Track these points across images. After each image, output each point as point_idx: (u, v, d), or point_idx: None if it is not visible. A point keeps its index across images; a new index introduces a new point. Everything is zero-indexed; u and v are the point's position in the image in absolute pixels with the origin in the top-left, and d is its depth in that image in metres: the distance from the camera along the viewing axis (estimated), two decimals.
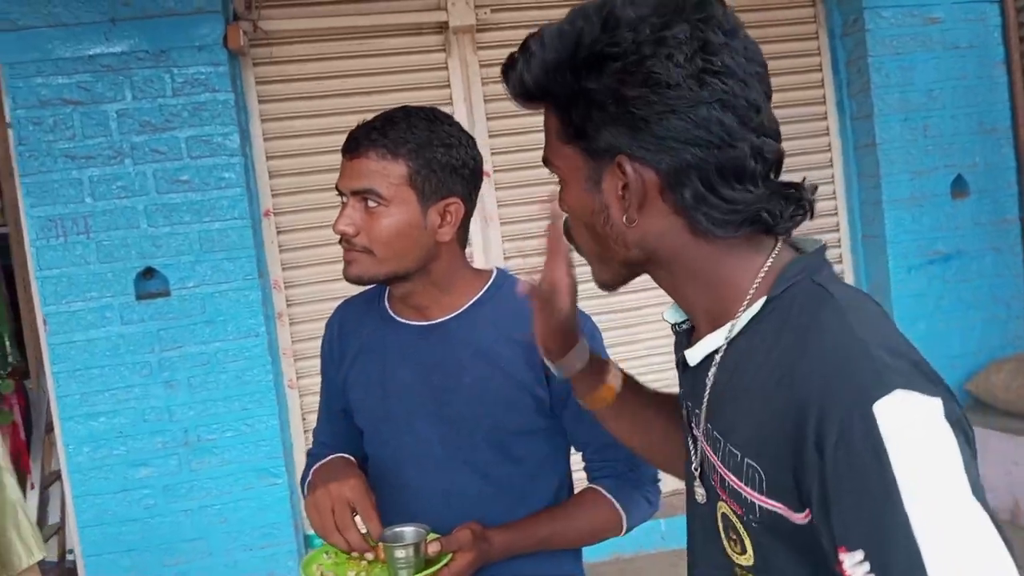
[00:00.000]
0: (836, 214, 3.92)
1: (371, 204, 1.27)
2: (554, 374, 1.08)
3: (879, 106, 3.68)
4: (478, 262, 3.48)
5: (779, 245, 0.84)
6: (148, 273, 3.15)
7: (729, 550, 0.84)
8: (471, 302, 1.38)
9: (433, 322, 1.38)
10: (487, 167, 3.53)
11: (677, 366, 0.95)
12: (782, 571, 0.78)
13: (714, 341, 0.83)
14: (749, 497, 0.77)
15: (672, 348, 1.01)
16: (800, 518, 0.73)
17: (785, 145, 0.83)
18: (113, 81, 3.09)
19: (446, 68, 3.52)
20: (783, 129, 0.82)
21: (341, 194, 1.31)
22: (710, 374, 0.83)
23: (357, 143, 1.28)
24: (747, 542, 0.80)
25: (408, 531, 1.22)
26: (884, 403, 0.66)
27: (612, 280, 0.90)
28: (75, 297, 3.09)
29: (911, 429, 0.66)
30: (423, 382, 1.36)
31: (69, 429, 3.11)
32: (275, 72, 3.39)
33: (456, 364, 1.35)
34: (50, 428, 3.46)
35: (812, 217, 0.84)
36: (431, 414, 1.36)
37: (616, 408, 1.08)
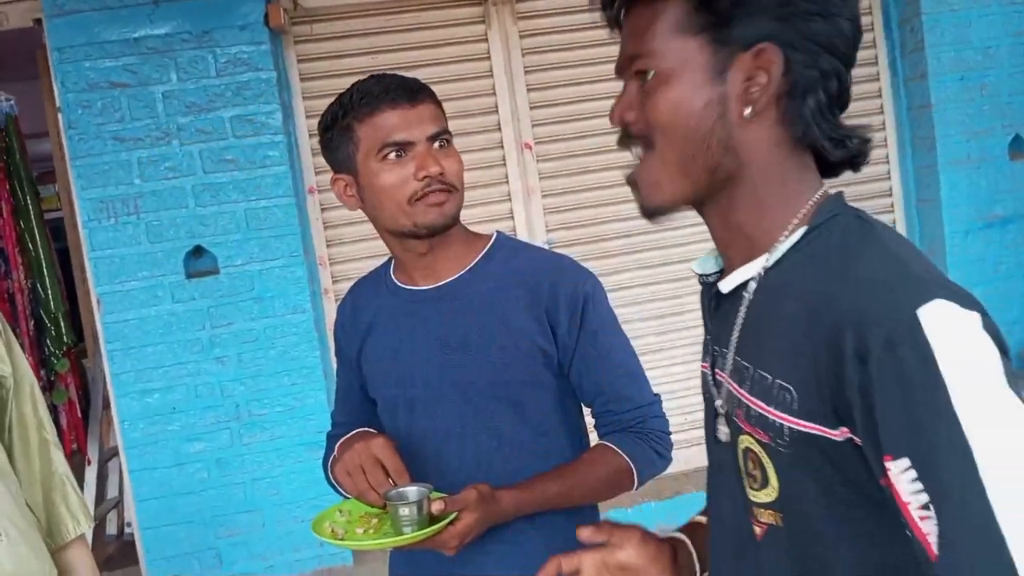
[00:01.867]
0: (889, 178, 3.82)
1: None
2: None
3: (933, 66, 3.56)
4: (521, 236, 3.46)
5: (824, 183, 0.85)
6: (197, 252, 3.20)
7: (748, 488, 0.83)
8: (474, 262, 1.42)
9: (436, 285, 1.42)
10: (527, 139, 3.53)
11: (704, 313, 0.96)
12: (805, 500, 0.77)
13: (751, 269, 0.84)
14: (778, 420, 0.77)
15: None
16: (836, 435, 0.73)
17: None
18: (158, 63, 3.13)
19: (486, 40, 3.49)
20: None
21: None
22: (743, 304, 0.84)
23: None
24: (770, 473, 0.79)
25: (411, 490, 1.25)
26: (927, 309, 0.67)
27: (679, 197, 0.85)
28: (127, 277, 3.15)
29: (955, 334, 0.66)
30: (432, 345, 1.40)
31: (124, 406, 3.19)
32: (316, 49, 3.40)
33: (462, 323, 1.39)
34: (107, 405, 3.55)
35: (860, 167, 0.86)
36: (442, 377, 1.39)
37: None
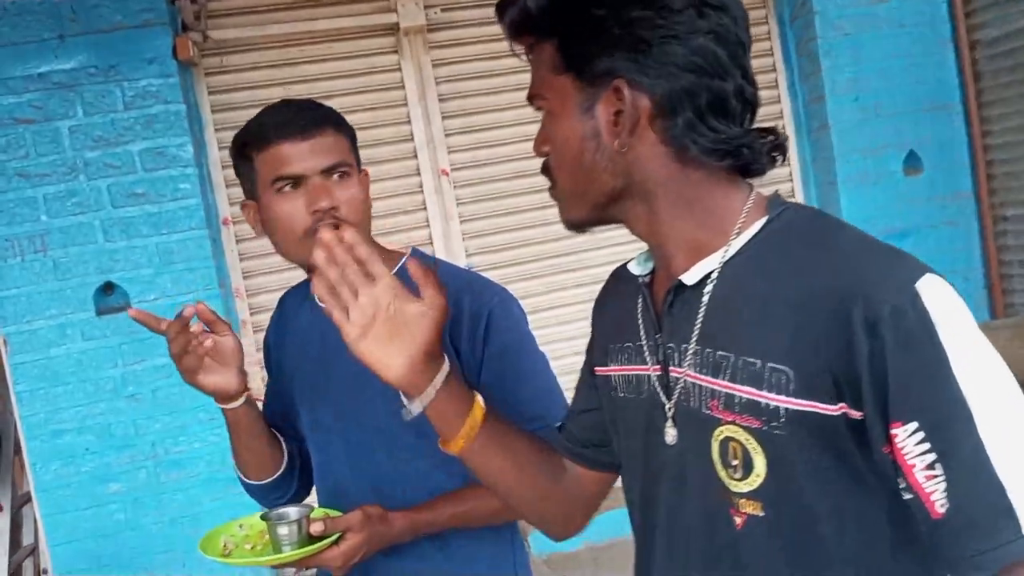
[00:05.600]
0: (793, 196, 3.97)
1: None
2: (409, 410, 0.96)
3: (830, 88, 3.73)
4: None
5: (753, 183, 0.89)
6: (108, 288, 3.13)
7: (726, 478, 0.83)
8: None
9: None
10: (444, 166, 3.57)
11: (641, 316, 0.95)
12: (795, 480, 0.79)
13: (709, 264, 0.86)
14: (772, 403, 0.78)
15: None
16: (833, 410, 0.76)
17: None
18: (64, 98, 3.07)
19: (399, 69, 3.53)
20: None
21: None
22: (704, 298, 0.85)
23: None
24: (756, 460, 0.80)
25: (291, 510, 1.27)
26: (923, 283, 0.74)
27: (586, 217, 0.92)
28: (35, 315, 3.07)
29: (947, 304, 0.74)
30: (338, 365, 1.38)
31: (35, 448, 3.10)
32: (228, 81, 3.39)
33: None
34: (19, 449, 3.44)
35: (784, 161, 0.90)
36: (347, 397, 1.39)
37: (485, 435, 1.00)
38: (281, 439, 1.50)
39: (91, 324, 3.10)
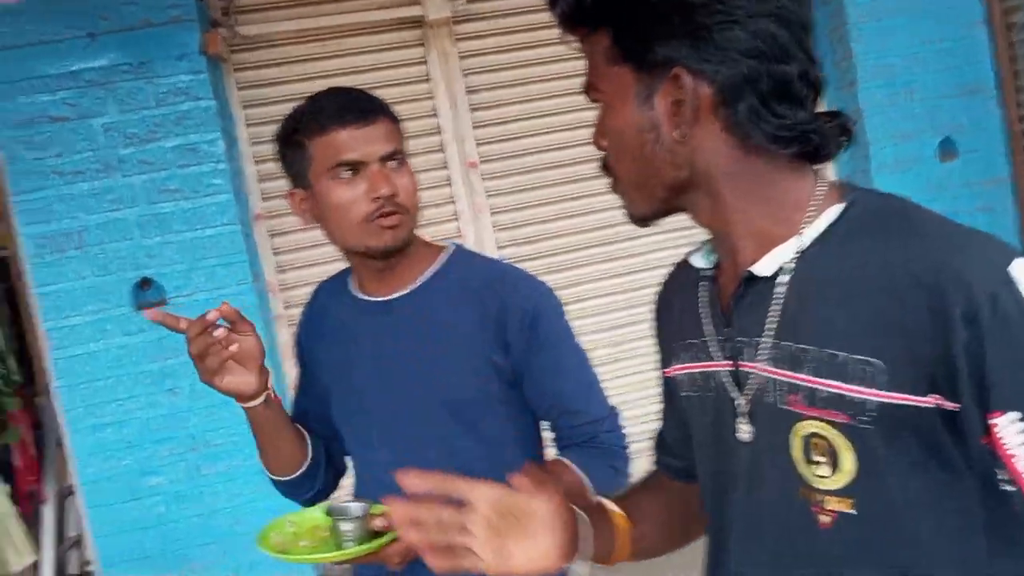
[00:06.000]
0: None
1: None
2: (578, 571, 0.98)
3: (861, 74, 3.68)
4: None
5: (817, 169, 0.86)
6: (145, 283, 3.17)
7: (809, 476, 0.81)
8: (428, 275, 1.42)
9: (391, 297, 1.42)
10: (472, 158, 3.57)
11: (706, 309, 0.93)
12: (888, 475, 0.77)
13: (782, 254, 0.83)
14: (859, 396, 0.76)
15: None
16: (926, 402, 0.74)
17: None
18: (97, 95, 3.11)
19: (425, 62, 3.53)
20: None
21: None
22: (779, 289, 0.83)
23: None
24: (844, 456, 0.78)
25: (354, 506, 1.27)
26: (1015, 267, 0.73)
27: (651, 211, 0.89)
28: (74, 311, 3.12)
29: None
30: (382, 357, 1.40)
31: (77, 442, 3.15)
32: (257, 76, 3.41)
33: (413, 336, 1.38)
34: (61, 442, 3.50)
35: (851, 143, 0.86)
36: (392, 388, 1.39)
37: (636, 532, 1.02)
38: (306, 436, 1.49)
39: (129, 319, 3.14)
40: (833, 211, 0.82)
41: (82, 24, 3.09)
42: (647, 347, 3.98)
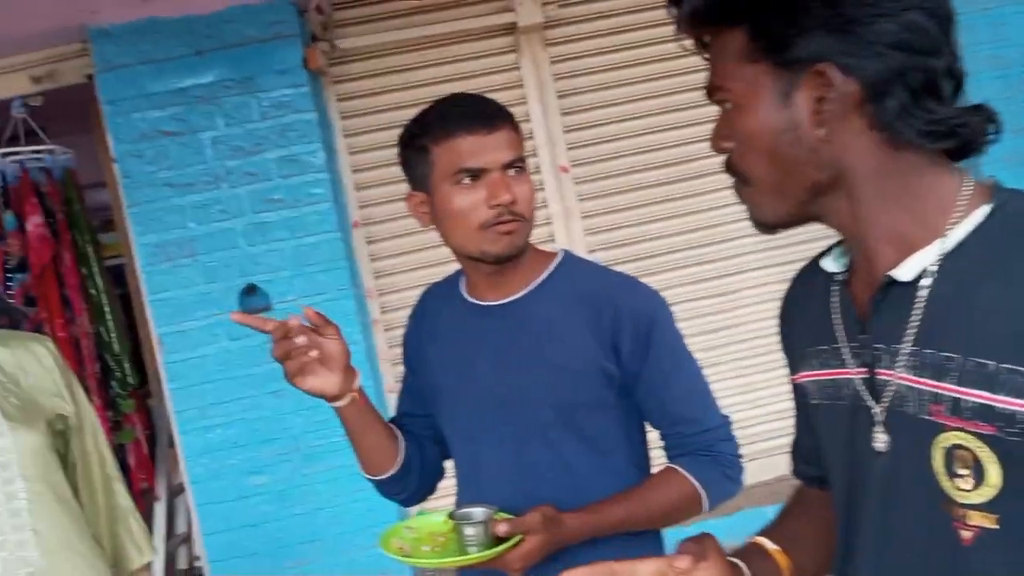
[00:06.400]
0: None
1: None
2: None
3: (972, 66, 3.51)
4: None
5: (960, 168, 0.82)
6: (251, 290, 3.30)
7: (950, 489, 0.77)
8: (540, 280, 1.42)
9: (503, 301, 1.42)
10: (563, 163, 3.58)
11: (839, 315, 0.90)
12: None
13: (924, 257, 0.80)
14: (1009, 407, 0.72)
15: None
16: None
17: None
18: (204, 110, 3.25)
19: (518, 68, 3.56)
20: None
21: None
22: (920, 294, 0.79)
23: None
24: (989, 469, 0.74)
25: (478, 511, 1.28)
26: None
27: (786, 216, 0.86)
28: (185, 317, 3.26)
29: None
30: (494, 360, 1.40)
31: (188, 442, 3.29)
32: (354, 88, 3.50)
33: (525, 341, 1.39)
34: (172, 442, 3.66)
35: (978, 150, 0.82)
36: (503, 392, 1.39)
37: (795, 566, 0.99)
38: (400, 437, 1.50)
39: (235, 325, 3.24)
40: (980, 213, 0.78)
41: (189, 42, 3.24)
42: (743, 351, 3.89)
